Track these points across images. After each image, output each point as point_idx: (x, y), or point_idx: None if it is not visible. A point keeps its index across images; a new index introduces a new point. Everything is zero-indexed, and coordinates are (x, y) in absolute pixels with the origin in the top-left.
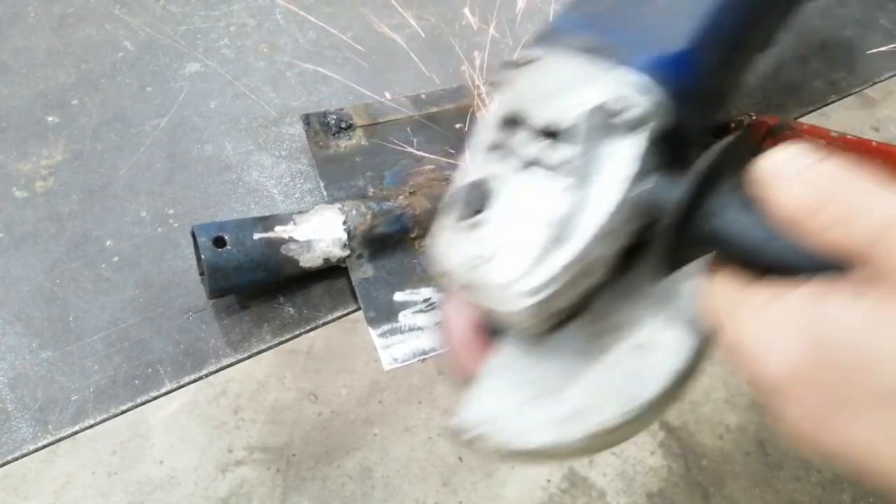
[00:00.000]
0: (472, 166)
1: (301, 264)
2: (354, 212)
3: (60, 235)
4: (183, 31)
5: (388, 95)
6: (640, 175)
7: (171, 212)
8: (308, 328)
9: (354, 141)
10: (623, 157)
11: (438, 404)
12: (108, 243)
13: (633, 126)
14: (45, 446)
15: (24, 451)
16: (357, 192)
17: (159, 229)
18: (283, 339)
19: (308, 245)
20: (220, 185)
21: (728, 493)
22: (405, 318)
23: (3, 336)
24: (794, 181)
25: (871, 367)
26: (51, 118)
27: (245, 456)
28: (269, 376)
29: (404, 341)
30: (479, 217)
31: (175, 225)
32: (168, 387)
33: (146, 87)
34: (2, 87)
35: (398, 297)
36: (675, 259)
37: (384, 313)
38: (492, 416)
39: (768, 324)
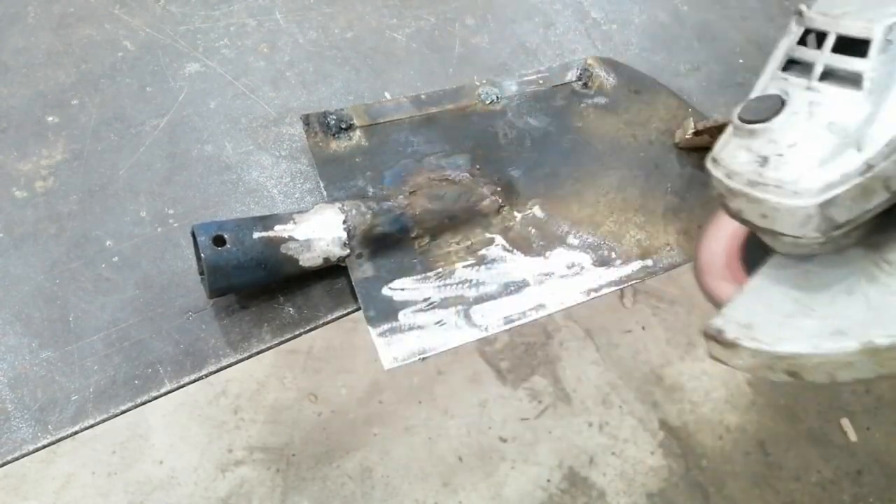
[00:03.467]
0: (763, 82)
1: (301, 263)
2: (354, 211)
3: (60, 235)
4: (183, 31)
5: (387, 95)
6: None
7: (171, 212)
8: (308, 328)
9: (354, 141)
10: None
11: (438, 404)
12: (108, 243)
13: None
14: (45, 446)
15: (24, 451)
16: (357, 192)
17: (159, 229)
18: (283, 339)
19: (308, 244)
20: (220, 185)
21: (728, 493)
22: (405, 317)
23: (3, 336)
24: None
25: None
26: (51, 118)
27: (245, 456)
28: (269, 376)
29: (405, 341)
30: (766, 123)
31: (175, 225)
32: (168, 387)
33: (146, 87)
34: (2, 87)
35: (398, 295)
36: None
37: (384, 313)
38: (753, 323)
39: None
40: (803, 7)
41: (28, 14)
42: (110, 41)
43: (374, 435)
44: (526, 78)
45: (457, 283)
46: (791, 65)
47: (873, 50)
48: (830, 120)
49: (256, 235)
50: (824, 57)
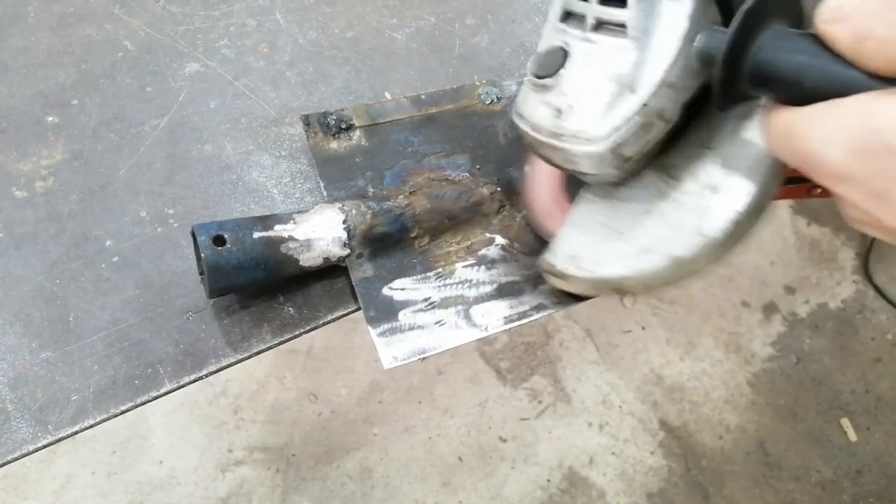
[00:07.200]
0: (547, 34)
1: (301, 263)
2: (354, 211)
3: (60, 235)
4: (183, 31)
5: (388, 95)
6: (693, 32)
7: (171, 212)
8: (308, 328)
9: (354, 141)
10: (676, 16)
11: (438, 404)
12: (108, 243)
13: None
14: (45, 446)
15: (24, 451)
16: (357, 192)
17: (159, 229)
18: (283, 339)
19: (308, 244)
20: (220, 185)
21: (728, 493)
22: (405, 317)
23: (3, 336)
24: (851, 15)
25: None
26: (51, 118)
27: (245, 456)
28: (269, 376)
29: (404, 340)
30: (555, 76)
31: (175, 225)
32: (168, 387)
33: (146, 87)
34: (2, 87)
35: (398, 295)
36: (732, 98)
37: (384, 313)
38: (576, 254)
39: (821, 130)
40: None
41: (28, 14)
42: (110, 41)
43: (374, 435)
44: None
45: (457, 283)
46: (568, 16)
47: (635, 2)
48: (607, 68)
49: (256, 235)
50: (593, 9)
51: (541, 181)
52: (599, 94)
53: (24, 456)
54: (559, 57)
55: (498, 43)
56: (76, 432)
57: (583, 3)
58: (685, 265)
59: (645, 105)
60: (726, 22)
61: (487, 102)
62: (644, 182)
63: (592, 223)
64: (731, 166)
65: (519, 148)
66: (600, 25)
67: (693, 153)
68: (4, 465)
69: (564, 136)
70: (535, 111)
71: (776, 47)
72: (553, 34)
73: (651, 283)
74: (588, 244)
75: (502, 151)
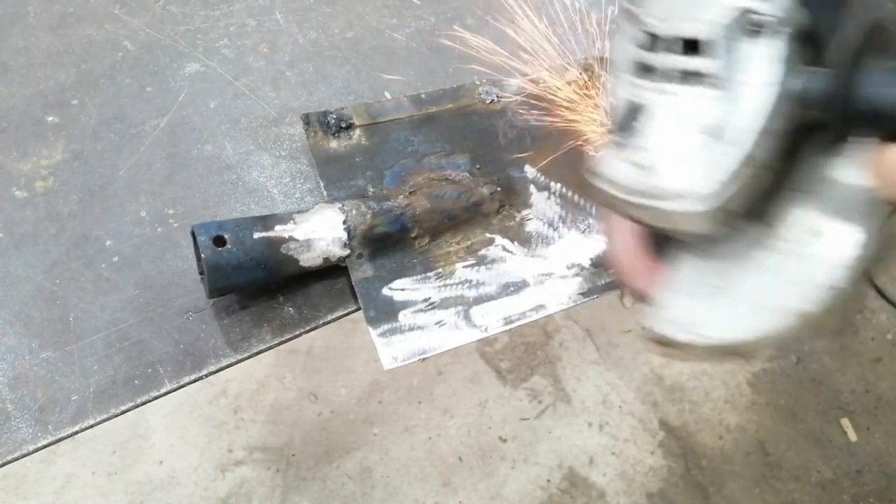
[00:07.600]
0: (619, 89)
1: (301, 263)
2: (354, 211)
3: (60, 235)
4: (183, 31)
5: (388, 95)
6: (786, 75)
7: (171, 212)
8: (308, 328)
9: (354, 141)
10: (767, 61)
11: (438, 404)
12: (108, 243)
13: (771, 31)
14: (45, 446)
15: (24, 451)
16: (357, 191)
17: (159, 229)
18: (283, 339)
19: (308, 244)
20: (220, 185)
21: (728, 493)
22: (405, 317)
23: (3, 336)
24: None
25: None
26: (51, 118)
27: (245, 456)
28: (269, 376)
29: (404, 341)
30: (633, 132)
31: (175, 225)
32: (168, 387)
33: (146, 87)
34: (2, 87)
35: (398, 295)
36: (839, 139)
37: (384, 313)
38: (682, 319)
39: None
40: (634, 9)
41: (28, 14)
42: (110, 41)
43: (374, 435)
44: (526, 78)
45: (457, 284)
46: (639, 69)
47: (719, 49)
48: (696, 121)
49: (257, 235)
50: (672, 60)
51: (623, 238)
52: (694, 147)
53: (24, 456)
54: (636, 111)
55: (498, 43)
56: (76, 432)
57: (659, 55)
58: (814, 320)
59: (749, 156)
60: (815, 59)
61: (487, 102)
62: (742, 237)
63: (695, 284)
64: (830, 209)
65: (519, 148)
66: (680, 76)
67: (789, 201)
68: (4, 465)
69: (656, 195)
70: (618, 170)
71: (886, 83)
72: (626, 88)
73: (780, 344)
74: (694, 307)
75: (502, 151)
